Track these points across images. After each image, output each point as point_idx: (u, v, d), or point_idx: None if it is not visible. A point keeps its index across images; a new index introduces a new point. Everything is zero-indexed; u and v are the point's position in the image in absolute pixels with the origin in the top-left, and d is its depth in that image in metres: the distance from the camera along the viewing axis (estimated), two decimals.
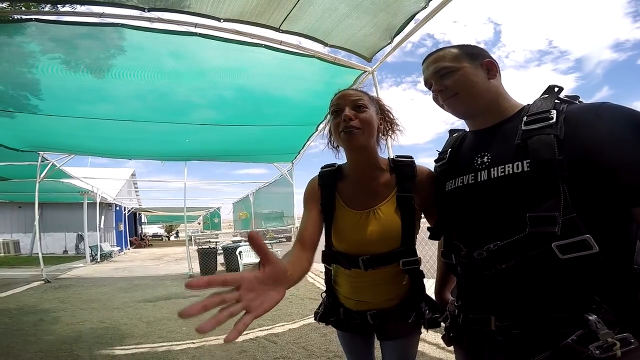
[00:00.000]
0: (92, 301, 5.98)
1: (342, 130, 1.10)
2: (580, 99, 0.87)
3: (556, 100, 0.86)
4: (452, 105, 0.98)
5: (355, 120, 1.09)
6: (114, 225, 20.07)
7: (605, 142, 0.72)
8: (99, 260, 13.80)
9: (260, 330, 3.84)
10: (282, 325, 3.98)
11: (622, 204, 0.73)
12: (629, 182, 0.70)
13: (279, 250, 11.29)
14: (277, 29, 3.16)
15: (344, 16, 2.96)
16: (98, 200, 14.56)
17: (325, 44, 3.40)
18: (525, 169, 0.80)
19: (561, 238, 0.73)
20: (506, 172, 0.84)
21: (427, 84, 1.03)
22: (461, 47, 0.98)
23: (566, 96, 0.87)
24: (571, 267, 0.74)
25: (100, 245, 14.51)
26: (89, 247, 13.68)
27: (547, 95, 0.89)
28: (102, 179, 14.80)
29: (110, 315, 4.87)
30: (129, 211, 23.77)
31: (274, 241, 12.16)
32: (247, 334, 3.75)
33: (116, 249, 17.86)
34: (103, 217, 16.64)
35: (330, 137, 1.29)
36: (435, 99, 1.02)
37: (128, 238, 23.58)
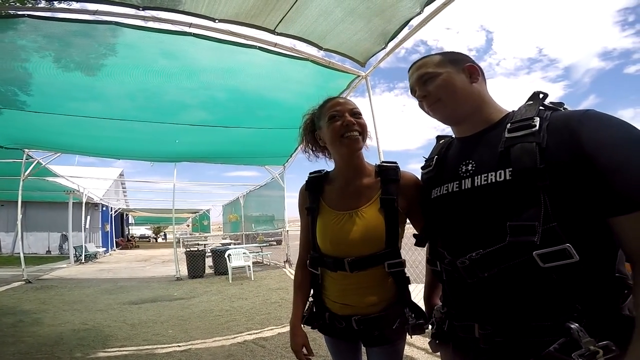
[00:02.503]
0: (75, 303, 5.84)
1: (344, 135, 1.17)
2: (564, 106, 0.87)
3: (540, 107, 0.86)
4: (436, 110, 0.99)
5: (355, 126, 1.18)
6: (100, 226, 19.70)
7: (586, 150, 0.73)
8: (83, 261, 13.52)
9: (248, 334, 3.79)
10: (271, 329, 3.95)
11: (599, 214, 0.73)
12: (609, 190, 0.70)
13: (269, 254, 11.23)
14: (272, 31, 3.16)
15: (339, 20, 2.97)
16: (84, 200, 14.28)
17: (320, 48, 3.40)
18: (507, 177, 0.80)
19: (541, 247, 0.73)
20: (489, 181, 0.84)
21: (412, 91, 1.05)
22: (444, 54, 1.00)
23: (551, 103, 0.88)
24: (552, 276, 0.74)
25: (85, 246, 14.22)
26: (74, 247, 13.38)
27: (531, 102, 0.90)
28: (89, 178, 14.52)
29: (93, 317, 4.76)
30: (115, 212, 23.38)
31: (264, 244, 12.08)
32: (235, 337, 3.71)
33: (101, 249, 17.52)
34: (89, 217, 16.32)
35: (311, 140, 1.36)
36: (421, 106, 1.04)
37: (114, 239, 23.16)
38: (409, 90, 1.07)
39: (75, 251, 13.51)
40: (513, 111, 0.93)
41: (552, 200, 0.74)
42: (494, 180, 0.83)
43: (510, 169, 0.80)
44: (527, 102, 0.91)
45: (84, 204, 14.38)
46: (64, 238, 16.16)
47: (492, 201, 0.83)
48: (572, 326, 0.70)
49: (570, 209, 0.74)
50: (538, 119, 0.82)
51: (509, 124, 0.86)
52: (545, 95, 0.89)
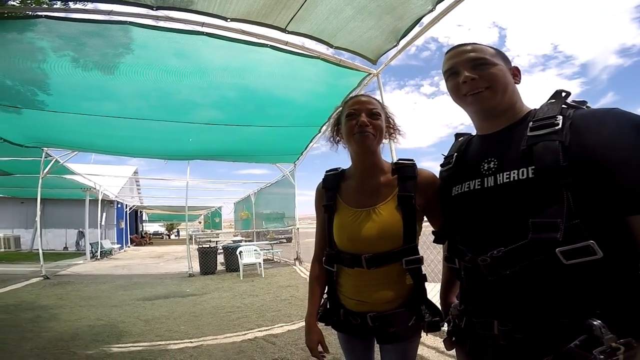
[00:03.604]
0: (91, 298, 5.98)
1: (356, 133, 1.18)
2: (587, 104, 0.86)
3: (563, 106, 0.85)
4: (481, 98, 0.93)
5: (370, 127, 1.18)
6: (115, 223, 20.11)
7: (607, 148, 0.73)
8: (99, 257, 13.83)
9: (259, 331, 3.82)
10: (281, 326, 3.97)
11: (617, 212, 0.73)
12: (625, 189, 0.70)
13: (280, 251, 11.29)
14: (283, 30, 3.17)
15: (350, 18, 2.96)
16: (100, 197, 14.60)
17: (331, 46, 3.40)
18: (530, 175, 0.80)
19: (563, 244, 0.73)
20: (511, 179, 0.84)
21: (451, 70, 0.99)
22: (496, 49, 0.98)
23: (573, 101, 0.87)
24: (575, 273, 0.73)
25: (101, 243, 14.54)
26: (90, 244, 13.71)
27: (554, 100, 0.89)
28: (105, 176, 14.84)
29: (108, 313, 4.86)
30: (130, 209, 23.83)
31: (275, 242, 12.15)
32: (245, 334, 3.74)
33: (116, 246, 17.90)
34: (104, 214, 16.67)
35: (333, 133, 1.36)
36: (457, 89, 0.98)
37: (129, 236, 23.61)
38: (446, 70, 1.01)
39: (92, 247, 13.84)
40: (535, 109, 0.92)
41: (575, 197, 0.74)
42: (516, 178, 0.83)
43: (533, 167, 0.80)
44: (549, 100, 0.91)
45: (99, 201, 14.71)
46: (81, 235, 16.55)
47: (515, 199, 0.83)
48: (595, 323, 0.70)
49: (593, 206, 0.74)
50: (561, 117, 0.81)
51: (531, 122, 0.86)
52: (568, 94, 0.88)
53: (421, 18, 2.90)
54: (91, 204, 13.84)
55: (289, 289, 6.29)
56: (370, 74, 4.11)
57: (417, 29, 3.07)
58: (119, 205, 20.78)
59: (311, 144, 7.30)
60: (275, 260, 11.30)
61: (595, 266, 0.72)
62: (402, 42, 3.30)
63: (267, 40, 3.44)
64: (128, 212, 23.12)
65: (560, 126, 0.79)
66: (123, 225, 21.58)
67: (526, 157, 0.82)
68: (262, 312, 4.63)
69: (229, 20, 3.03)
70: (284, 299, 5.49)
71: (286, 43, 3.48)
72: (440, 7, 2.73)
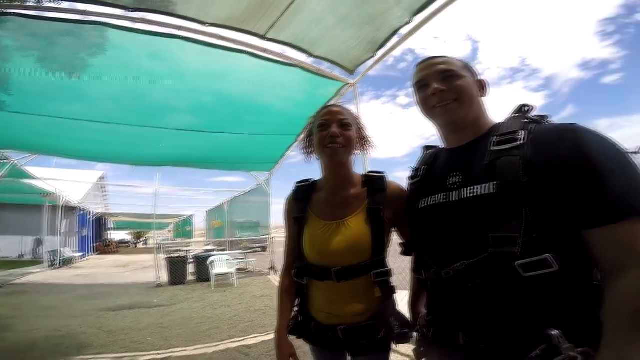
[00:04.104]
0: (49, 308, 5.61)
1: (326, 145, 1.19)
2: (548, 119, 0.90)
3: (524, 120, 0.89)
4: (450, 110, 0.96)
5: (340, 138, 1.19)
6: (77, 230, 19.08)
7: (564, 164, 0.75)
8: (58, 265, 13.03)
9: (231, 342, 3.72)
10: (255, 337, 3.88)
11: (574, 226, 0.75)
12: (583, 203, 0.73)
13: (254, 260, 11.10)
14: (263, 37, 3.16)
15: (330, 27, 3.00)
16: (61, 204, 13.82)
17: (310, 54, 3.42)
18: (492, 190, 0.83)
19: (522, 257, 0.75)
20: (475, 193, 0.86)
21: (421, 82, 1.01)
22: (463, 61, 1.01)
23: (535, 115, 0.90)
24: (533, 285, 0.76)
25: (61, 250, 13.72)
26: (48, 252, 12.90)
27: (516, 115, 0.93)
28: (67, 181, 14.08)
29: (68, 324, 4.57)
30: (94, 216, 22.69)
31: (248, 251, 11.93)
32: (217, 345, 3.63)
33: (78, 254, 16.93)
34: (66, 221, 15.78)
35: (307, 144, 1.37)
36: (426, 101, 1.00)
37: (92, 243, 22.44)
38: (416, 82, 1.04)
39: (50, 255, 13.03)
40: (499, 123, 0.95)
41: (533, 212, 0.77)
42: (479, 193, 0.85)
43: (495, 182, 0.82)
44: (512, 114, 0.94)
45: (60, 208, 13.92)
46: (39, 242, 15.57)
47: (478, 213, 0.85)
48: (553, 332, 0.72)
49: (551, 220, 0.77)
50: (522, 132, 0.84)
51: (495, 137, 0.89)
52: (530, 108, 0.92)
53: (399, 29, 2.97)
54: (51, 210, 13.07)
55: (263, 299, 6.18)
56: (347, 84, 4.17)
57: (394, 39, 3.14)
58: (82, 212, 19.74)
59: (287, 152, 7.28)
60: (249, 269, 11.09)
61: (553, 278, 0.75)
62: (380, 53, 3.37)
63: (245, 47, 3.42)
64: (92, 219, 22.01)
65: (522, 141, 0.82)
66: (86, 233, 20.49)
67: (489, 172, 0.85)
68: (234, 323, 4.51)
69: (206, 24, 2.99)
70: (258, 309, 5.38)
71: (264, 50, 3.48)
72: (417, 19, 2.80)
